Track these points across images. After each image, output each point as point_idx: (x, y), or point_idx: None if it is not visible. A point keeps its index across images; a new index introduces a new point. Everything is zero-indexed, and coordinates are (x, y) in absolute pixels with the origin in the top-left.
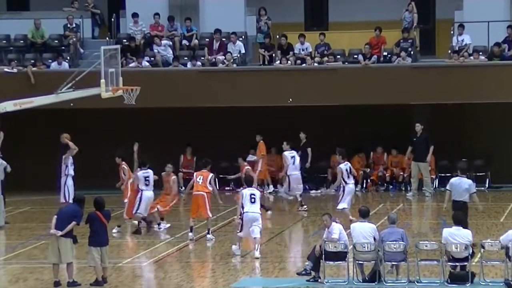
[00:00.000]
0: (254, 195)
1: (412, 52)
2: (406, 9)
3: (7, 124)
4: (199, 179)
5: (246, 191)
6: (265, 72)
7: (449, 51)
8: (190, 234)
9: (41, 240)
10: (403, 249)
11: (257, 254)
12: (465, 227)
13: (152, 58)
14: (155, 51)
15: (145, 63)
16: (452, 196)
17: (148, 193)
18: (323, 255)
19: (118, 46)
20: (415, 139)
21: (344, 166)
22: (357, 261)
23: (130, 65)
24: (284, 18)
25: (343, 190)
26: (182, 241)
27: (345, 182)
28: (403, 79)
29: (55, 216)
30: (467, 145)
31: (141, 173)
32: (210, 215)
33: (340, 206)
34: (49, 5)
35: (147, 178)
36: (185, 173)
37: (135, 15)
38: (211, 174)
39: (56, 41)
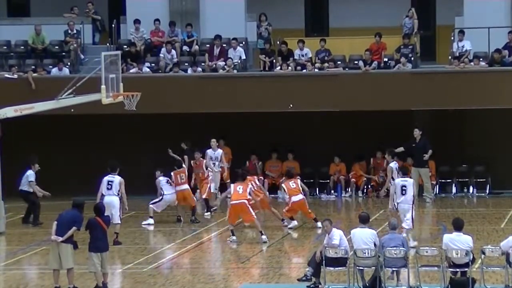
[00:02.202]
0: (405, 186)
1: (412, 58)
2: (406, 15)
3: (8, 130)
4: (239, 188)
5: (398, 181)
6: (266, 78)
7: (450, 57)
8: (234, 237)
9: (42, 246)
10: (403, 255)
11: (412, 243)
12: None
13: (153, 64)
14: (161, 55)
15: (145, 69)
16: None
17: (108, 198)
18: (324, 261)
19: (119, 52)
20: (414, 144)
21: (394, 165)
22: (357, 267)
23: (131, 71)
24: (285, 24)
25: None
26: (183, 247)
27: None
28: (404, 85)
29: (55, 222)
30: (467, 151)
31: (106, 178)
32: (255, 217)
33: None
34: (50, 11)
35: (110, 183)
36: None
37: (137, 21)
38: (250, 184)
39: (57, 47)
